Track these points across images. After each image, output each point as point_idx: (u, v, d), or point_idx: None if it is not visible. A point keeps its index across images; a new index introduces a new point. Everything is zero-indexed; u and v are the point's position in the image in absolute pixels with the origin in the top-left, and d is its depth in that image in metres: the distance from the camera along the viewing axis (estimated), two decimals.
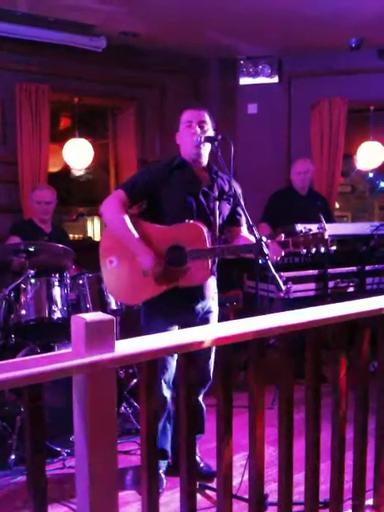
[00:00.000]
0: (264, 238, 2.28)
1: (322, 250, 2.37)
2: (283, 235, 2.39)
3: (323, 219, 2.37)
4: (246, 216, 2.38)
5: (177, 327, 2.53)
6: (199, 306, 2.58)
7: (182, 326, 2.48)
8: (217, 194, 2.56)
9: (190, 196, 2.51)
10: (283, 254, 2.39)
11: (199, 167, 2.59)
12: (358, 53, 4.68)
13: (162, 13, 4.02)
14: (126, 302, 2.69)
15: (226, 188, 2.62)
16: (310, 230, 2.36)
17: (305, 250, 2.36)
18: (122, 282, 2.58)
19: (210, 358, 2.63)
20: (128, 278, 2.55)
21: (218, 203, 2.55)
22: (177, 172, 2.56)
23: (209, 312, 2.64)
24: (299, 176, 4.28)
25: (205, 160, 2.59)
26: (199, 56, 5.08)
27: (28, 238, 3.44)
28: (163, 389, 2.57)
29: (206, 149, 2.55)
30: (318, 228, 2.35)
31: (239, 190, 2.61)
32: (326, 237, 2.34)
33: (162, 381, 2.56)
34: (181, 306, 2.52)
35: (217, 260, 2.59)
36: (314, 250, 2.36)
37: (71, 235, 5.16)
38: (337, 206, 5.67)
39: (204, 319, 2.62)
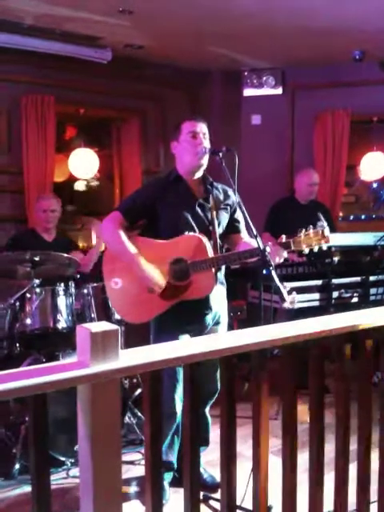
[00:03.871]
0: (267, 249, 2.28)
1: (324, 247, 2.38)
2: (284, 237, 2.40)
3: (322, 218, 2.38)
4: (250, 226, 2.36)
5: (187, 338, 2.50)
6: (209, 317, 2.57)
7: (192, 337, 2.47)
8: (212, 204, 2.55)
9: (186, 210, 2.51)
10: (286, 255, 2.38)
11: (194, 180, 2.59)
12: (360, 65, 4.72)
13: (167, 26, 4.07)
14: (135, 320, 2.60)
15: (222, 197, 2.63)
16: (311, 227, 2.37)
17: (307, 249, 2.36)
18: (128, 301, 2.56)
19: (217, 368, 2.59)
20: (134, 297, 2.53)
21: (215, 213, 2.54)
22: (173, 187, 2.56)
23: (217, 323, 2.63)
24: (311, 188, 4.29)
25: (202, 172, 2.59)
26: (203, 68, 5.13)
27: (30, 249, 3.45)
28: (176, 404, 2.53)
29: (206, 160, 2.55)
30: (317, 226, 2.37)
31: (237, 199, 2.54)
32: (327, 233, 2.35)
33: (175, 396, 2.51)
34: (190, 318, 2.51)
35: (223, 269, 2.58)
36: (316, 248, 2.37)
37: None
38: (341, 214, 5.67)
39: (212, 331, 2.60)
